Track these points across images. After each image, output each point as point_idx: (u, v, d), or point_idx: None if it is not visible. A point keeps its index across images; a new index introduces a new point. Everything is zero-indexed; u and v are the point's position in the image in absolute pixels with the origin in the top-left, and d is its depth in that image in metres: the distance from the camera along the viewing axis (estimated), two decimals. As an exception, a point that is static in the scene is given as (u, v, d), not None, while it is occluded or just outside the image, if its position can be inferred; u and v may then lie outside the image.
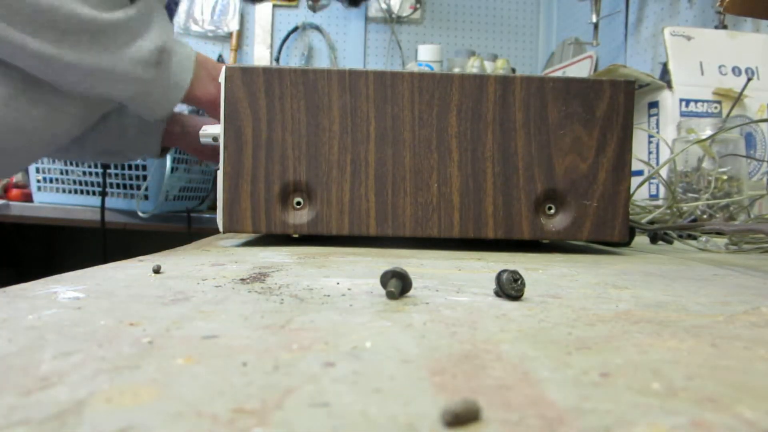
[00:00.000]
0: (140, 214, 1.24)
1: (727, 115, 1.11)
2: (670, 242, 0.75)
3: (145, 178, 1.23)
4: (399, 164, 0.56)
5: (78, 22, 0.67)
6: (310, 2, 1.10)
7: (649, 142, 1.19)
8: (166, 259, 0.45)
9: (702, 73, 1.18)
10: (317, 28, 2.19)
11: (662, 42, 1.22)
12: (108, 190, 1.27)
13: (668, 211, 0.83)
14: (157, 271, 0.37)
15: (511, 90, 0.56)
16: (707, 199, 0.86)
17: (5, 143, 0.77)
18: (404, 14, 2.15)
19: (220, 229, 0.56)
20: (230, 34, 2.12)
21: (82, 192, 1.31)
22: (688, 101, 1.16)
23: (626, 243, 0.67)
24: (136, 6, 0.73)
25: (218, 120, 0.65)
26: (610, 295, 0.32)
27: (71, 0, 0.66)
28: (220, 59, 2.06)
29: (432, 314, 0.26)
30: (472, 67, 1.95)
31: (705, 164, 0.90)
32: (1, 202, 1.33)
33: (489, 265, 0.45)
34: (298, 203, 0.56)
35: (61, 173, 1.30)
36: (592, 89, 0.56)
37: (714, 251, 0.64)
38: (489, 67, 1.98)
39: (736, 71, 1.20)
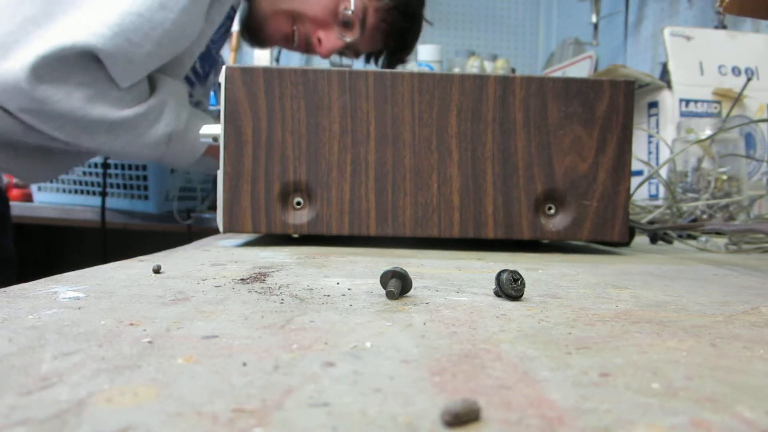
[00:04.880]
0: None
1: (727, 115, 1.11)
2: (670, 242, 0.76)
3: (145, 178, 1.23)
4: (399, 164, 0.56)
5: (91, 120, 0.79)
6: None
7: (649, 142, 1.19)
8: (166, 259, 0.45)
9: (702, 73, 1.18)
10: (317, 28, 2.19)
11: (662, 42, 1.22)
12: (108, 190, 1.27)
13: (668, 211, 0.83)
14: (157, 271, 0.37)
15: (511, 90, 0.56)
16: (707, 199, 0.86)
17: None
18: (404, 14, 2.14)
19: (220, 229, 0.56)
20: (230, 34, 2.12)
21: (82, 192, 1.31)
22: (687, 101, 1.16)
23: (626, 243, 0.67)
24: (147, 103, 0.83)
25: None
26: (609, 295, 0.32)
27: (87, 104, 0.78)
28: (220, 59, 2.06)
29: (432, 314, 0.26)
30: (472, 67, 1.95)
31: (705, 164, 0.90)
32: (1, 202, 1.32)
33: (489, 265, 0.45)
34: (298, 203, 0.57)
35: (51, 181, 1.30)
36: (592, 89, 0.56)
37: (714, 251, 0.64)
38: (489, 67, 1.98)
39: (735, 71, 1.20)
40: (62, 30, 0.74)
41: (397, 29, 1.03)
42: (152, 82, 0.86)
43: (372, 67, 1.11)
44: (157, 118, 0.84)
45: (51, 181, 1.32)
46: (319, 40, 1.00)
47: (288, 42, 1.02)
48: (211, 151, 0.97)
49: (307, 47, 1.03)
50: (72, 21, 0.75)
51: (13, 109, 0.78)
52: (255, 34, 1.03)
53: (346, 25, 0.99)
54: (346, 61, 1.08)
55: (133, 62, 0.77)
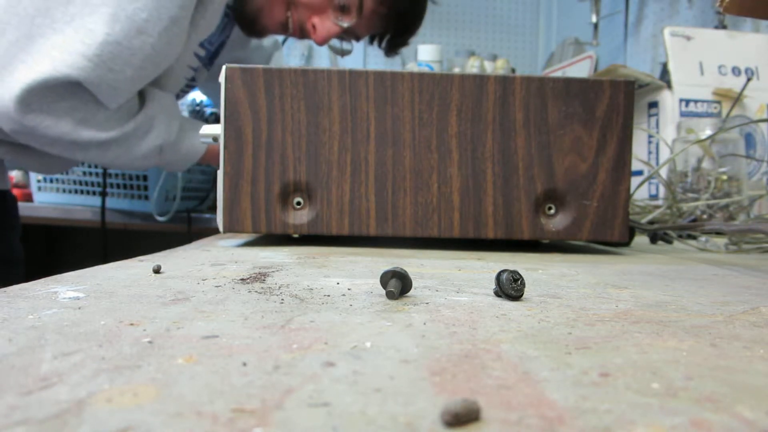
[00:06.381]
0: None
1: (727, 115, 1.11)
2: (670, 242, 0.76)
3: (145, 178, 1.23)
4: (399, 164, 0.56)
5: (80, 141, 0.82)
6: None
7: (649, 142, 1.19)
8: (166, 259, 0.45)
9: (702, 73, 1.18)
10: (317, 28, 2.18)
11: (662, 42, 1.22)
12: (108, 190, 1.27)
13: (668, 211, 0.83)
14: (157, 271, 0.37)
15: (511, 90, 0.56)
16: (707, 199, 0.86)
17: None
18: (404, 14, 2.14)
19: (220, 229, 0.56)
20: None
21: (82, 192, 1.31)
22: (687, 101, 1.16)
23: (626, 243, 0.67)
24: (135, 120, 0.85)
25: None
26: (609, 295, 0.32)
27: (76, 128, 0.81)
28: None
29: (432, 314, 0.26)
30: (472, 67, 1.95)
31: (705, 164, 0.90)
32: (1, 202, 1.32)
33: (489, 265, 0.45)
34: (298, 203, 0.56)
35: (62, 173, 1.30)
36: (592, 89, 0.56)
37: (714, 251, 0.64)
38: (489, 67, 1.98)
39: (735, 71, 1.20)
40: (45, 58, 0.75)
41: (397, 12, 0.98)
42: (142, 95, 0.88)
43: (371, 66, 1.09)
44: (147, 131, 0.87)
45: (51, 181, 1.32)
46: (314, 27, 0.96)
47: (285, 29, 0.98)
48: (211, 152, 0.96)
49: (303, 34, 0.99)
50: (53, 48, 0.75)
51: (6, 131, 0.80)
52: (251, 24, 0.99)
53: (342, 9, 0.94)
54: (346, 45, 1.06)
55: (117, 88, 0.79)
